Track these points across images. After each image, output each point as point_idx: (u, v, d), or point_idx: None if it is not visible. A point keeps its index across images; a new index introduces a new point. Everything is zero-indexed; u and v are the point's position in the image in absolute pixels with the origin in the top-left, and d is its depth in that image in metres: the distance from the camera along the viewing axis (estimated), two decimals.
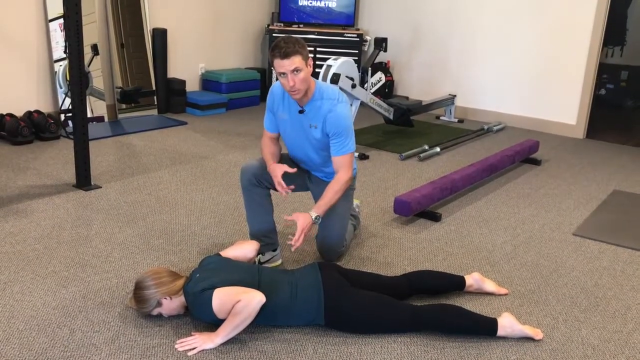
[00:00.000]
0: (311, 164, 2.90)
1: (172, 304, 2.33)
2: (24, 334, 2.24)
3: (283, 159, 2.91)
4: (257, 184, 2.79)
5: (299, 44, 2.54)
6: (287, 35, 2.60)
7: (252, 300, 2.17)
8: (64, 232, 3.15)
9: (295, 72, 2.53)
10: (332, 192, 2.69)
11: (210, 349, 2.19)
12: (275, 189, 2.81)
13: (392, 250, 3.13)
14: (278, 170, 2.73)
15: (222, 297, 2.20)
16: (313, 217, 2.62)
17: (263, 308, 2.28)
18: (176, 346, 2.21)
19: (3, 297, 2.49)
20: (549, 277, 2.93)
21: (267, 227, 2.87)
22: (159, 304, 2.32)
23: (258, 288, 2.27)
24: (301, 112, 2.71)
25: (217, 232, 3.25)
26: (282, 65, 2.52)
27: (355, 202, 3.34)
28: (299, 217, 2.60)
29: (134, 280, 2.66)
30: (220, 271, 2.36)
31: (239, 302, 2.17)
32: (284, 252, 3.03)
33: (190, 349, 2.19)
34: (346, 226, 2.95)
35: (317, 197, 2.91)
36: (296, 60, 2.51)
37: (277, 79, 2.66)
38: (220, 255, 2.52)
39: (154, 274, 2.34)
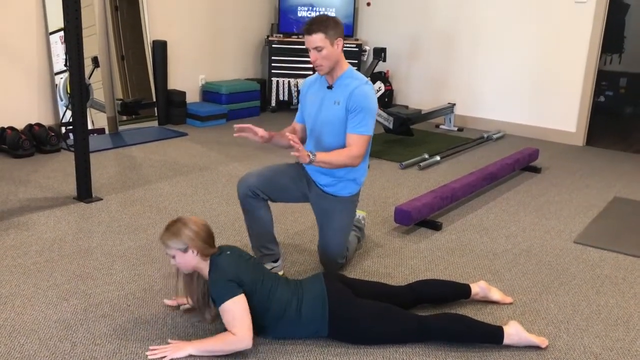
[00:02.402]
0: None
1: (192, 261, 2.27)
2: (25, 348, 2.24)
3: (288, 169, 2.90)
4: (253, 195, 2.78)
5: (327, 23, 2.63)
6: (322, 14, 2.67)
7: (240, 342, 2.19)
8: (65, 244, 3.15)
9: (317, 50, 2.64)
10: (336, 153, 2.67)
11: None
12: (273, 200, 2.83)
13: (393, 260, 3.13)
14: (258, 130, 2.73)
15: (232, 313, 2.19)
16: (311, 155, 2.55)
17: (269, 320, 2.29)
18: (147, 353, 2.22)
19: (4, 310, 2.49)
20: (551, 285, 2.93)
21: (266, 238, 2.86)
22: (185, 251, 2.24)
23: (271, 294, 2.28)
24: (329, 87, 2.77)
25: (218, 242, 3.22)
26: (307, 41, 2.67)
27: (362, 214, 3.34)
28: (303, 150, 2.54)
29: (135, 293, 2.67)
30: (249, 266, 2.34)
31: (233, 336, 2.19)
32: (286, 262, 3.03)
33: (161, 357, 2.19)
34: (347, 237, 2.94)
35: (317, 211, 2.90)
36: (318, 39, 2.63)
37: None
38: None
39: (201, 226, 2.28)
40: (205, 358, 2.21)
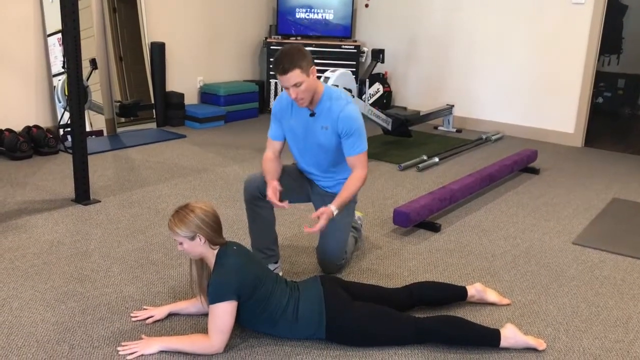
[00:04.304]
0: (320, 169, 2.88)
1: (199, 248, 2.26)
2: (23, 351, 2.23)
3: (290, 169, 2.90)
4: (261, 196, 2.78)
5: (298, 57, 2.55)
6: (289, 46, 2.61)
7: (211, 349, 2.22)
8: (63, 247, 3.15)
9: (296, 86, 2.58)
10: (348, 187, 2.71)
11: None
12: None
13: (392, 262, 3.13)
14: (272, 191, 2.67)
15: (218, 317, 2.19)
16: (335, 212, 2.63)
17: (265, 320, 2.28)
18: (119, 348, 2.25)
19: (2, 313, 2.48)
20: (550, 286, 2.93)
21: (270, 240, 2.87)
22: (192, 239, 2.24)
23: (270, 296, 2.28)
24: (312, 115, 2.74)
25: None
26: (283, 80, 2.58)
27: (358, 214, 3.34)
28: (323, 212, 2.59)
29: (133, 295, 2.66)
30: (253, 264, 2.33)
31: (207, 341, 2.21)
32: (285, 264, 3.03)
33: (131, 353, 2.22)
34: (346, 239, 2.94)
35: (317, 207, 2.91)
36: (295, 75, 2.54)
37: (282, 89, 2.69)
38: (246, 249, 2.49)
39: (209, 214, 2.26)
40: (178, 356, 2.21)
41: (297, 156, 2.93)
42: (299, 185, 2.89)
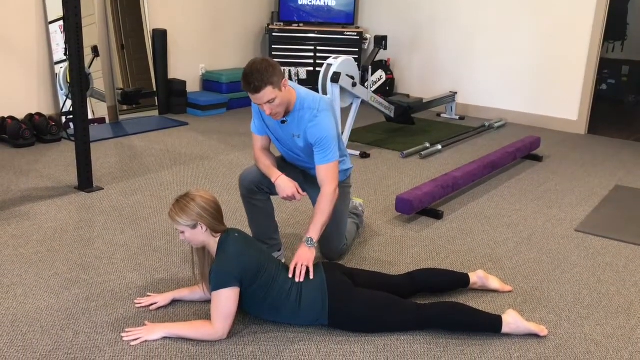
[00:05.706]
0: (307, 165, 2.88)
1: (200, 236, 2.28)
2: (28, 337, 2.25)
3: (278, 162, 2.88)
4: (258, 190, 2.77)
5: (268, 73, 2.43)
6: (256, 60, 2.50)
7: (214, 335, 2.23)
8: (67, 234, 3.16)
9: (269, 102, 2.49)
10: (321, 211, 2.60)
11: (210, 349, 2.20)
12: (273, 194, 2.81)
13: (395, 249, 3.14)
14: (290, 187, 2.66)
15: (220, 303, 2.21)
16: (308, 245, 2.51)
17: (268, 307, 2.30)
18: (122, 334, 2.27)
19: (7, 299, 2.50)
20: (552, 273, 2.93)
21: (271, 230, 2.88)
22: (193, 227, 2.25)
23: (273, 282, 2.29)
24: (283, 122, 2.67)
25: None
26: (255, 99, 2.49)
27: (359, 201, 3.34)
28: (296, 258, 2.48)
29: (136, 282, 2.67)
30: (255, 251, 2.33)
31: (210, 327, 2.23)
32: (287, 251, 3.03)
33: (134, 339, 2.23)
34: (345, 224, 2.94)
35: (313, 199, 2.89)
36: (268, 93, 2.45)
37: None
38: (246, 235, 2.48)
39: (211, 202, 2.27)
40: (181, 342, 2.23)
41: (281, 152, 2.89)
42: (294, 176, 2.86)
